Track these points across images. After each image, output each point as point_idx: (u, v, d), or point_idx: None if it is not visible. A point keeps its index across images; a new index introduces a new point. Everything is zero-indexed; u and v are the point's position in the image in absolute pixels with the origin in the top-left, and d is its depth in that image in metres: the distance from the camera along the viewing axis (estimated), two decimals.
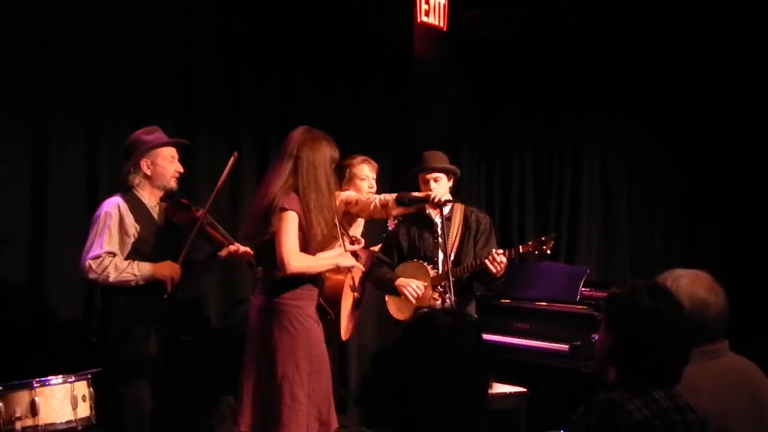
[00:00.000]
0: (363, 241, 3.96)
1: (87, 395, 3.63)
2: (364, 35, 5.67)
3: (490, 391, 1.83)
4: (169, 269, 3.75)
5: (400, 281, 4.33)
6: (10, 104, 4.57)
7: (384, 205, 4.00)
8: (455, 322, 1.81)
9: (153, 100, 4.93)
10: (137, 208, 3.82)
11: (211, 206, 3.86)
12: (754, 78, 6.43)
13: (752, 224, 6.59)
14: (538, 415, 4.45)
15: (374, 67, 5.77)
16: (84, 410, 3.61)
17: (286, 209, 3.45)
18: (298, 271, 3.47)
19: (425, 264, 4.37)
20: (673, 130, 6.83)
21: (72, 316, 4.69)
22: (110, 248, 3.69)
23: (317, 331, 3.59)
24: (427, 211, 4.38)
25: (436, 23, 5.82)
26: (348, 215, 4.18)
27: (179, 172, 3.93)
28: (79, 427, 3.58)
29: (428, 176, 4.39)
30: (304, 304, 3.56)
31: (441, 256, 4.25)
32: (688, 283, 2.38)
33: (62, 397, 3.54)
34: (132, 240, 3.76)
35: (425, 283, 4.30)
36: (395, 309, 4.44)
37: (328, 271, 3.86)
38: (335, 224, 3.64)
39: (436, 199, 3.96)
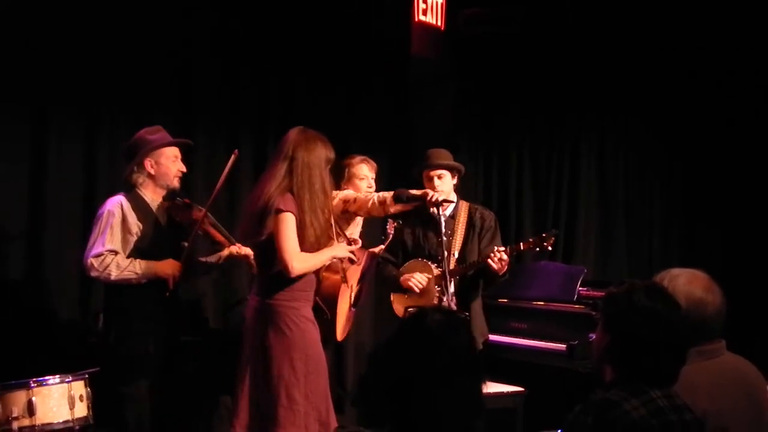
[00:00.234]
0: (360, 241, 3.96)
1: (84, 395, 3.64)
2: (364, 35, 5.67)
3: (486, 390, 1.82)
4: (170, 267, 3.77)
5: (403, 276, 4.39)
6: (9, 104, 4.56)
7: (382, 203, 4.00)
8: (448, 320, 1.81)
9: (153, 100, 4.92)
10: (140, 206, 3.83)
11: (211, 206, 3.87)
12: (754, 76, 6.43)
13: (753, 223, 6.58)
14: (535, 415, 4.45)
15: (374, 67, 5.76)
16: (81, 410, 3.62)
17: (282, 211, 3.44)
18: (302, 273, 3.49)
19: (429, 262, 4.39)
20: (673, 128, 6.82)
21: (70, 315, 4.68)
22: (112, 246, 3.71)
23: (313, 332, 3.59)
24: (430, 210, 4.38)
25: (434, 22, 5.82)
26: (346, 213, 4.18)
27: (182, 172, 3.96)
28: (77, 427, 3.60)
29: (432, 173, 4.41)
30: (300, 305, 3.56)
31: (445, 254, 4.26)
32: (685, 282, 2.37)
33: (59, 397, 3.56)
34: (134, 238, 3.78)
35: (429, 275, 4.32)
36: (399, 306, 4.45)
37: (325, 271, 3.87)
38: (331, 224, 3.64)
39: (432, 199, 3.95)
